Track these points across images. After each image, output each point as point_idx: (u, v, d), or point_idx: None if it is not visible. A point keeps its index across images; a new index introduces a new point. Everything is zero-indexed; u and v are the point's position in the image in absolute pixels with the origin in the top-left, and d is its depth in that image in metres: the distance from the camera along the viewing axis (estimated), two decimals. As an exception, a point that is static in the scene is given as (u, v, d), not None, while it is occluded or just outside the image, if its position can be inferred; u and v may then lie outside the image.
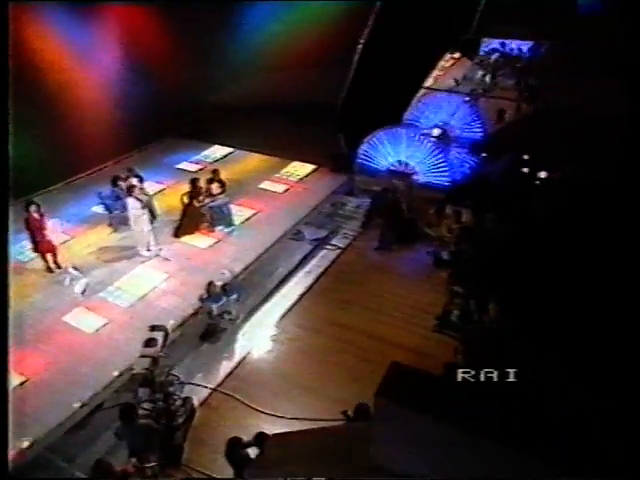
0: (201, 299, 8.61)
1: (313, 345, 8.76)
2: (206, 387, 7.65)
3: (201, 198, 10.30)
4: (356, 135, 13.31)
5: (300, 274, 10.38)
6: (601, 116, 9.65)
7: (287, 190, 12.25)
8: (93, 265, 9.50)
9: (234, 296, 8.87)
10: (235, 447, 5.47)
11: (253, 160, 13.73)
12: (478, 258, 8.05)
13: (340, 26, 14.06)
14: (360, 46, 14.02)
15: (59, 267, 9.48)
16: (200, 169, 13.04)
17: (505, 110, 14.09)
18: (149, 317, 8.12)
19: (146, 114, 14.15)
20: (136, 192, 9.37)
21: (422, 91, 14.15)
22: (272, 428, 7.22)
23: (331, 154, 13.23)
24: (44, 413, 6.62)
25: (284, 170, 13.14)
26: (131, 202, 9.30)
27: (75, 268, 9.26)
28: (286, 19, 14.67)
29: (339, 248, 11.16)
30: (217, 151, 14.31)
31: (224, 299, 8.70)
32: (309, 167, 13.18)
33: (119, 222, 10.56)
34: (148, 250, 9.78)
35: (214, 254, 9.95)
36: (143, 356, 6.30)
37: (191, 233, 10.38)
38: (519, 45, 17.20)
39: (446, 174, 11.47)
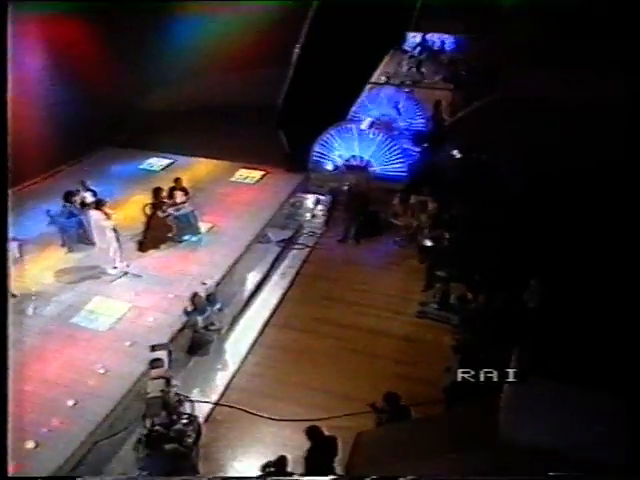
0: (186, 312, 8.27)
1: (304, 345, 8.75)
2: (209, 402, 7.39)
3: (164, 208, 9.86)
4: (299, 134, 13.38)
5: (275, 277, 10.31)
6: (537, 102, 10.45)
7: (245, 194, 12.05)
8: (57, 289, 8.79)
9: (217, 306, 8.63)
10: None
11: (202, 166, 13.33)
12: (460, 242, 8.48)
13: (278, 25, 13.99)
14: (299, 44, 14.08)
15: (14, 295, 8.65)
16: (150, 178, 12.44)
17: (441, 101, 14.81)
18: (136, 338, 7.70)
19: (75, 124, 13.27)
20: (106, 207, 8.79)
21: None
22: (284, 433, 7.19)
23: (284, 154, 13.19)
24: (40, 455, 6.08)
25: (238, 174, 12.90)
26: (96, 215, 8.70)
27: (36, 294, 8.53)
28: (221, 19, 14.32)
29: (307, 247, 11.20)
30: (161, 159, 13.69)
31: (209, 310, 8.43)
32: (262, 169, 13.02)
33: (75, 241, 9.85)
34: (114, 268, 9.21)
35: (186, 265, 9.58)
36: (155, 378, 5.96)
37: (157, 246, 9.91)
38: (441, 38, 18.11)
39: (401, 165, 11.87)
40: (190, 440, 6.57)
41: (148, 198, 10.32)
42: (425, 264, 9.59)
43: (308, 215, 12.11)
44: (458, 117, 10.69)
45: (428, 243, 8.97)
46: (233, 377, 8.06)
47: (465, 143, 10.12)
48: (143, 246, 9.84)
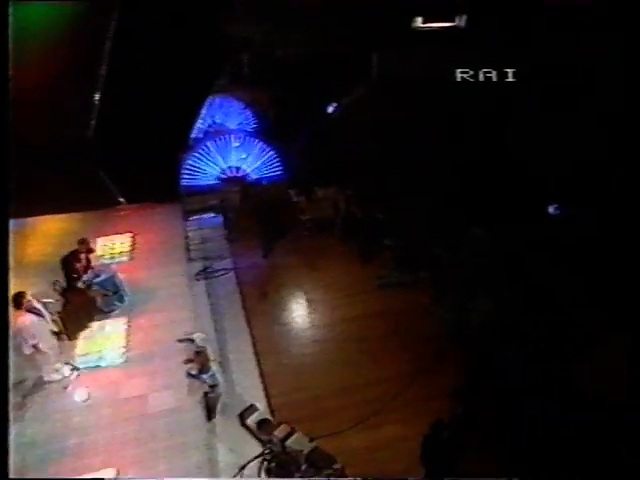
0: (192, 375, 7.21)
1: (307, 357, 8.65)
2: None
3: (82, 278, 7.97)
4: (124, 163, 12.03)
5: (224, 309, 9.48)
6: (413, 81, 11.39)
7: (136, 240, 10.31)
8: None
9: (212, 358, 7.67)
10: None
11: (54, 224, 10.65)
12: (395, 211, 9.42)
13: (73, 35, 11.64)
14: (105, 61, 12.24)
15: None
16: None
17: (261, 97, 15.16)
18: (160, 434, 6.35)
19: None
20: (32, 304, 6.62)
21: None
22: (353, 439, 7.08)
23: (143, 187, 11.61)
24: None
25: (110, 221, 10.82)
26: (29, 319, 6.51)
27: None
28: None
29: (228, 270, 10.48)
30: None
31: (211, 366, 7.44)
32: (134, 211, 11.20)
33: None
34: (56, 370, 7.13)
35: (144, 333, 8.02)
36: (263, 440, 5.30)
37: (85, 325, 7.97)
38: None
39: (278, 166, 12.01)
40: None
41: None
42: (358, 241, 10.25)
43: (203, 240, 11.21)
44: (340, 108, 11.21)
45: (380, 215, 9.60)
46: (273, 414, 7.40)
47: (354, 131, 10.80)
48: (69, 333, 7.77)
